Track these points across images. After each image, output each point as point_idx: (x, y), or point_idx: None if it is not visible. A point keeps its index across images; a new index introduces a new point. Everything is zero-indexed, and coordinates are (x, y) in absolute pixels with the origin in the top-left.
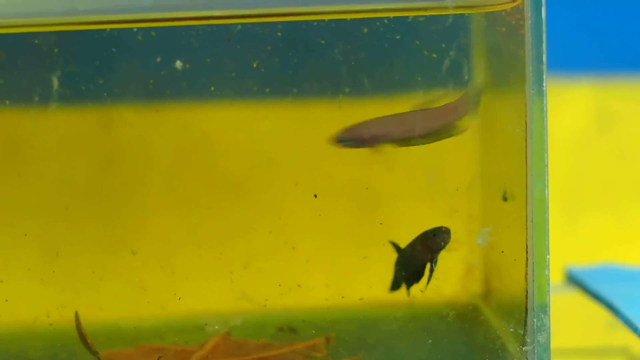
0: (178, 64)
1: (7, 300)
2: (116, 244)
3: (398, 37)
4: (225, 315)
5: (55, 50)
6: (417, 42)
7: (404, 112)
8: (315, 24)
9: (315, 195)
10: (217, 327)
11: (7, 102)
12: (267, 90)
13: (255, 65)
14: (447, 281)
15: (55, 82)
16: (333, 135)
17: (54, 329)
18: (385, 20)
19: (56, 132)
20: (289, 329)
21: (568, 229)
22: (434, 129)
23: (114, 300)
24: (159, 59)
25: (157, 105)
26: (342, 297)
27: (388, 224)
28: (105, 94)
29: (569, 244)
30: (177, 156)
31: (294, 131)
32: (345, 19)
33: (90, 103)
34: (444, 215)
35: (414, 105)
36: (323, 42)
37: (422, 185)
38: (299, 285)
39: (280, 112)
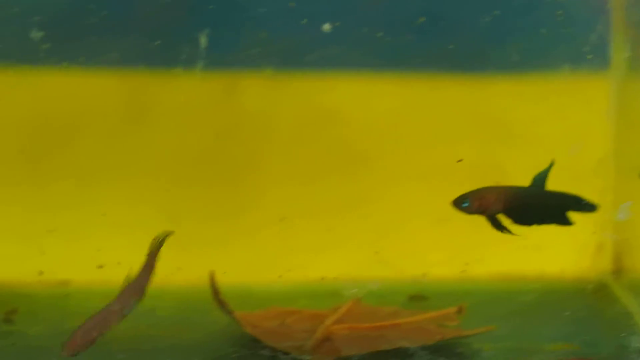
0: (326, 27)
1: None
2: (243, 209)
3: (538, 11)
4: (360, 280)
5: (188, 12)
6: (557, 15)
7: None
8: None
9: (460, 160)
10: (354, 290)
11: (134, 63)
12: (397, 63)
13: (388, 36)
14: (578, 256)
15: (184, 47)
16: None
17: (185, 289)
18: None
19: (182, 96)
20: (420, 298)
21: None
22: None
23: (244, 264)
24: (292, 26)
25: (284, 73)
26: (464, 270)
27: None
28: (232, 60)
29: None
30: (299, 126)
31: (420, 106)
32: None
33: (216, 68)
34: (576, 190)
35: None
36: (461, 14)
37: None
38: (428, 256)
39: (408, 85)
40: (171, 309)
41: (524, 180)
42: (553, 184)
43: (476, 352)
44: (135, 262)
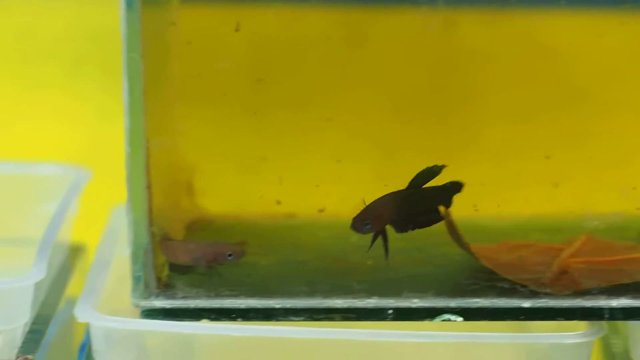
0: None
1: (318, 185)
2: (459, 145)
3: None
4: (593, 214)
5: None
6: None
7: None
8: None
9: None
10: (596, 222)
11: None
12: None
13: None
14: None
15: None
16: None
17: None
18: None
19: (401, 30)
20: None
21: None
22: None
23: (465, 199)
24: None
25: (502, 10)
26: None
27: None
28: None
29: None
30: (519, 63)
31: None
32: None
33: (436, 3)
34: None
35: None
36: None
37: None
38: None
39: (630, 23)
40: (404, 241)
41: None
42: None
43: None
44: (356, 197)
